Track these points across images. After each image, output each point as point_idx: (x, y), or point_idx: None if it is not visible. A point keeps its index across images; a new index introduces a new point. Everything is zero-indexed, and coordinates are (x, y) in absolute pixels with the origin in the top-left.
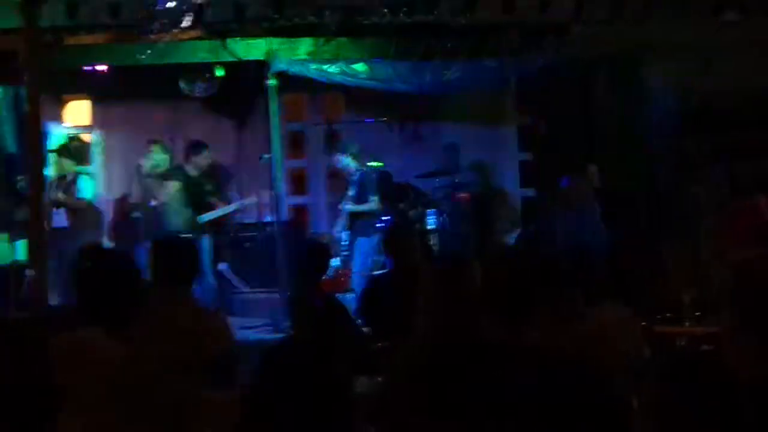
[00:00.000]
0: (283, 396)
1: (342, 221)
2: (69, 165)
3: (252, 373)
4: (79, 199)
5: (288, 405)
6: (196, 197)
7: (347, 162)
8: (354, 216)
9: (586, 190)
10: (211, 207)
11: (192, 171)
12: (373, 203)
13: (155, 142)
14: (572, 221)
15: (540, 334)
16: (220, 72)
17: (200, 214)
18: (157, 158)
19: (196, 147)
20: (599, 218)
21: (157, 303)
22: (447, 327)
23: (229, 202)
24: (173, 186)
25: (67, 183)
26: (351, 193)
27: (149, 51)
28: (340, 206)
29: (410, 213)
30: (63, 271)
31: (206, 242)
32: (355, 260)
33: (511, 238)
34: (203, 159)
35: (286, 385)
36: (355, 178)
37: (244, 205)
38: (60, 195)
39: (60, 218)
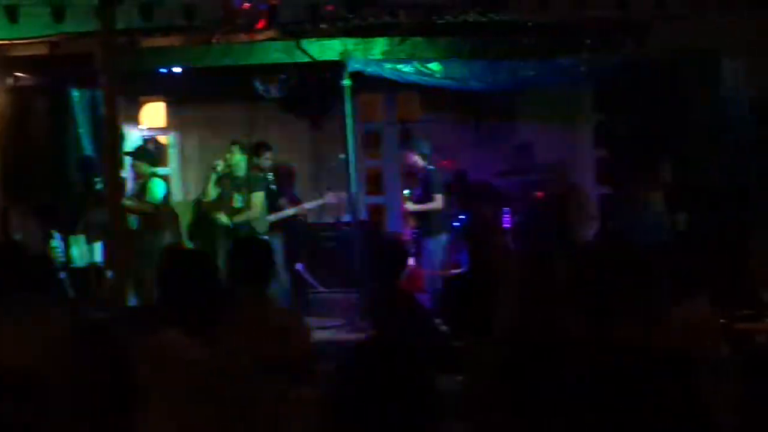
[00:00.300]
0: (368, 396)
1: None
2: (145, 168)
3: (335, 373)
4: (147, 202)
5: (373, 405)
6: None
7: (416, 160)
8: (420, 216)
9: (650, 187)
10: (278, 208)
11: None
12: (437, 202)
13: (235, 143)
14: (637, 217)
15: (625, 330)
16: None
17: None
18: (236, 159)
19: (260, 148)
20: (661, 215)
21: (237, 304)
22: (530, 324)
23: (296, 203)
24: (258, 197)
25: (140, 186)
26: (417, 192)
27: (223, 52)
28: (405, 206)
29: (487, 212)
30: (133, 272)
31: (277, 242)
32: (423, 260)
33: (587, 236)
34: (265, 160)
35: (371, 385)
36: (420, 176)
37: (313, 206)
38: (126, 200)
39: (132, 220)
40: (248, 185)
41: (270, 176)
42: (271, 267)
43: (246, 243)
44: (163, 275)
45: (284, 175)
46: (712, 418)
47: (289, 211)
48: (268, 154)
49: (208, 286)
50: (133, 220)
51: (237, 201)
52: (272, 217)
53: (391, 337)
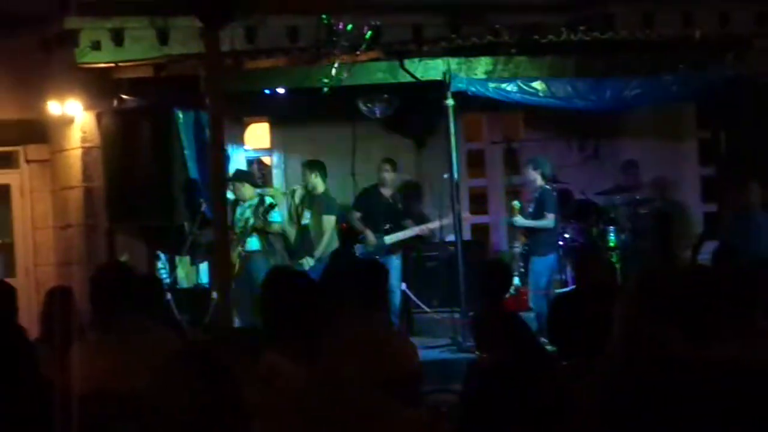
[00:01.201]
0: (491, 417)
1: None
2: (246, 190)
3: (462, 397)
4: (272, 222)
5: (496, 426)
6: (384, 217)
7: (534, 178)
8: (530, 233)
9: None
10: (401, 227)
11: (383, 190)
12: (548, 221)
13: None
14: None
15: (732, 348)
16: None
17: (387, 234)
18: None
19: (382, 161)
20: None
21: (347, 325)
22: (641, 344)
23: (419, 224)
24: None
25: (264, 208)
26: (529, 209)
27: (327, 76)
28: (512, 221)
29: (593, 231)
30: (254, 293)
31: (396, 263)
32: (530, 279)
33: (694, 253)
34: (384, 172)
35: (497, 407)
36: (536, 194)
37: (428, 229)
38: (258, 220)
39: (253, 242)
40: (320, 205)
41: (389, 193)
42: (384, 289)
43: (362, 265)
44: (268, 297)
45: (411, 194)
46: None
47: (410, 232)
48: (386, 166)
49: (312, 307)
50: (255, 241)
51: (305, 217)
52: (392, 237)
53: (504, 359)
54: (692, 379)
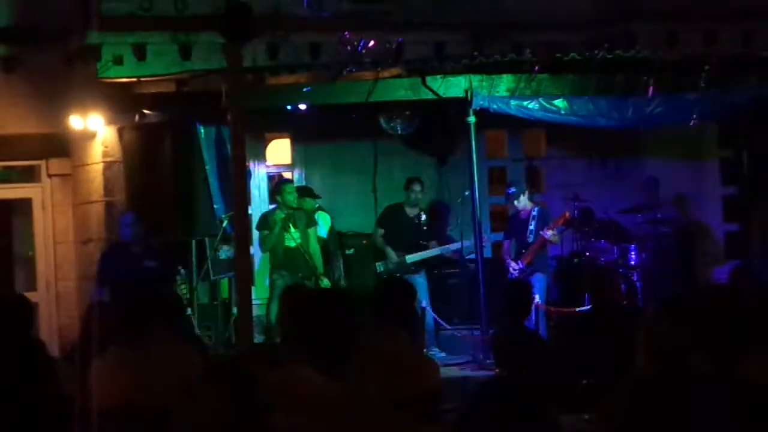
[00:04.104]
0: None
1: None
2: (308, 203)
3: (461, 412)
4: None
5: None
6: (409, 237)
7: (525, 203)
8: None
9: None
10: (422, 247)
11: (408, 209)
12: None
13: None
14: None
15: (759, 367)
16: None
17: (411, 253)
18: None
19: (408, 182)
20: None
21: (371, 342)
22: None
23: (443, 243)
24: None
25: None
26: (530, 227)
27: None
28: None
29: (611, 249)
30: None
31: (422, 281)
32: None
33: (714, 273)
34: (412, 192)
35: (497, 425)
36: (534, 213)
37: (450, 250)
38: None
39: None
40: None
41: (414, 212)
42: (409, 308)
43: (388, 282)
44: (293, 312)
45: (437, 214)
46: None
47: (432, 252)
48: (415, 187)
49: (336, 323)
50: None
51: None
52: (414, 257)
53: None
54: (720, 398)
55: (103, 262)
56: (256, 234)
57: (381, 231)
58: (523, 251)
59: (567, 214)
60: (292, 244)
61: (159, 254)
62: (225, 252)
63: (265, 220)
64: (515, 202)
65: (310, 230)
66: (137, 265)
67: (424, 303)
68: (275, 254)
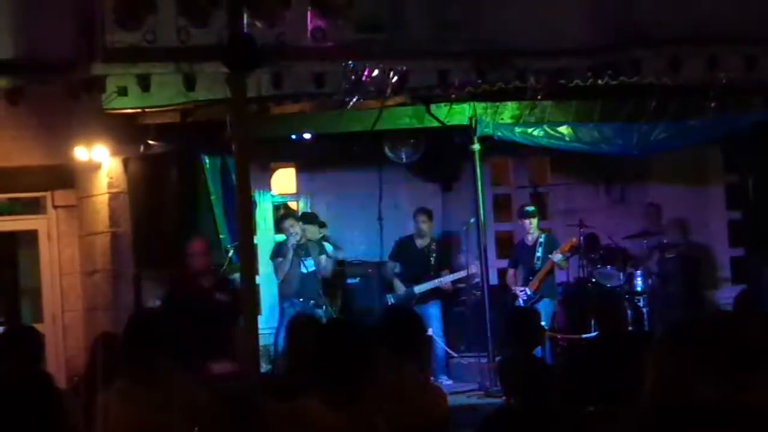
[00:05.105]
0: None
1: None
2: (311, 230)
3: None
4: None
5: None
6: (419, 268)
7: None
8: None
9: None
10: (431, 277)
11: (418, 241)
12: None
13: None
14: None
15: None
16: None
17: (419, 283)
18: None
19: (416, 212)
20: None
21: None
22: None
23: (452, 272)
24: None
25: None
26: (537, 254)
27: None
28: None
29: (620, 275)
30: None
31: (434, 311)
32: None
33: (718, 297)
34: (420, 223)
35: None
36: (542, 240)
37: (457, 278)
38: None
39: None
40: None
41: (424, 243)
42: (415, 339)
43: (393, 313)
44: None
45: (446, 245)
46: None
47: (437, 282)
48: (422, 217)
49: (344, 354)
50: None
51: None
52: (422, 287)
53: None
54: (726, 425)
55: (171, 294)
56: (263, 263)
57: (392, 264)
58: (531, 278)
59: (574, 239)
60: (305, 271)
61: (228, 287)
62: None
63: (280, 248)
64: (528, 222)
65: (323, 258)
66: (208, 299)
67: (434, 332)
68: (288, 282)
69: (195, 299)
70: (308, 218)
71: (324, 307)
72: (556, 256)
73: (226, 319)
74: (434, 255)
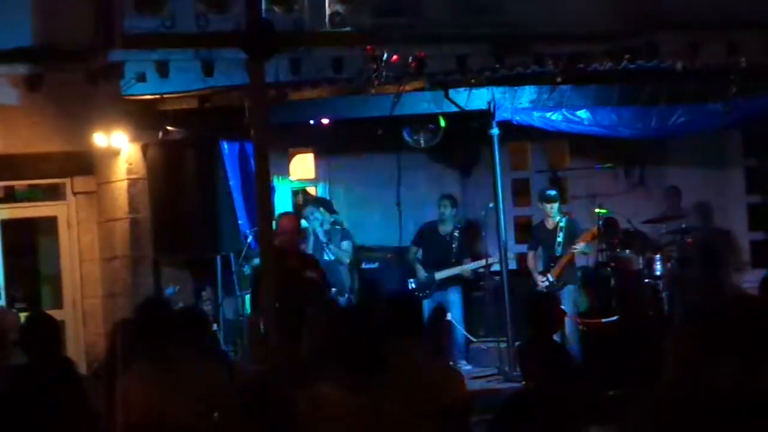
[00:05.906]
0: None
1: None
2: (323, 214)
3: (490, 424)
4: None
5: None
6: (440, 254)
7: (555, 213)
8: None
9: None
10: (451, 264)
11: (441, 227)
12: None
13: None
14: None
15: None
16: (442, 123)
17: (440, 270)
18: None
19: (442, 197)
20: None
21: (396, 356)
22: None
23: (474, 259)
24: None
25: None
26: (558, 239)
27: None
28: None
29: (639, 260)
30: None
31: (455, 297)
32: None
33: (741, 281)
34: (444, 207)
35: None
36: (562, 224)
37: (477, 267)
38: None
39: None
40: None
41: (447, 230)
42: (420, 320)
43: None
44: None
45: (469, 232)
46: None
47: (458, 269)
48: (445, 202)
49: (362, 340)
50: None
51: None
52: (443, 274)
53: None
54: (746, 409)
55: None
56: None
57: (415, 249)
58: (552, 264)
59: (595, 229)
60: (327, 258)
61: (316, 266)
62: (250, 267)
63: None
64: (549, 207)
65: (345, 243)
66: (299, 277)
67: (454, 318)
68: None
69: (288, 278)
70: (321, 203)
71: (346, 295)
72: (579, 246)
73: (315, 298)
74: (456, 242)
